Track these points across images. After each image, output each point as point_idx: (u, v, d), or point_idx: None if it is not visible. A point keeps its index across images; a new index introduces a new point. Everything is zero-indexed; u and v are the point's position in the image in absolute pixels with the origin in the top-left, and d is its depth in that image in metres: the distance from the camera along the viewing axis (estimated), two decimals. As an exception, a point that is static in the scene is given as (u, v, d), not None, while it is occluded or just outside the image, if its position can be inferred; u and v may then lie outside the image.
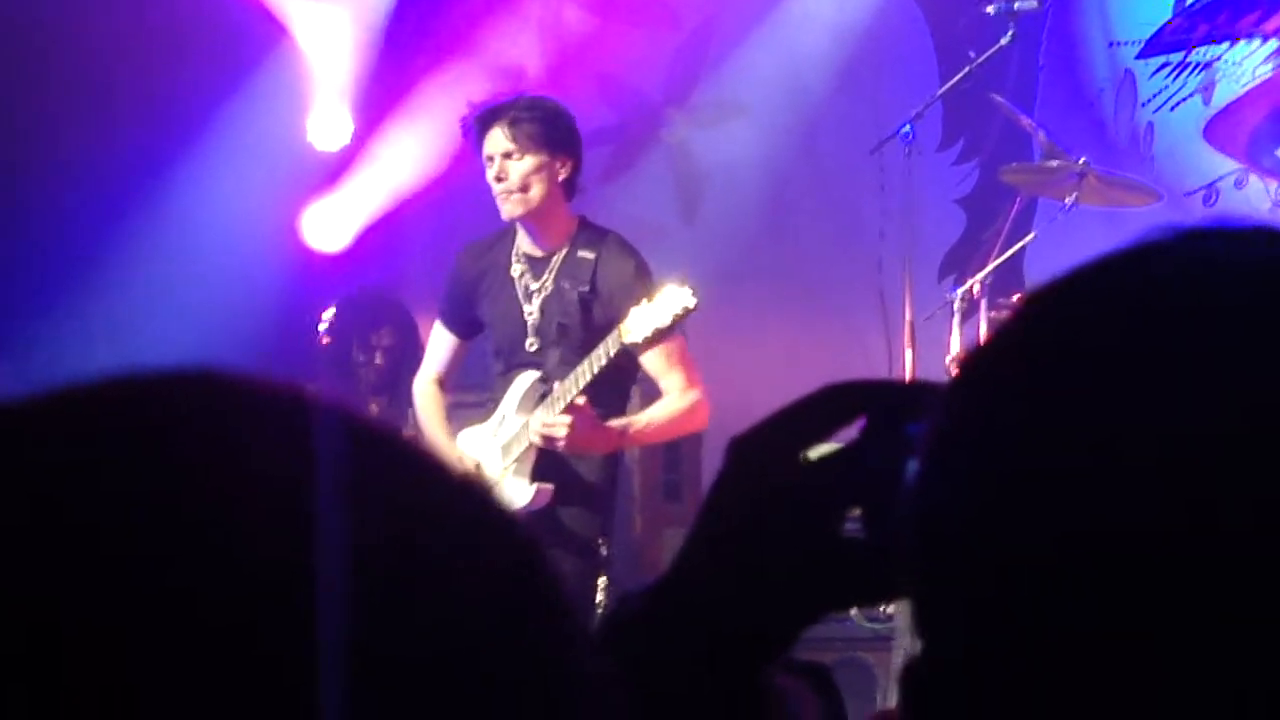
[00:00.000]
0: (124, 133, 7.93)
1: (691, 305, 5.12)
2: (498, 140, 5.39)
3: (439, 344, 5.76)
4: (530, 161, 5.36)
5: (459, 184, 8.02)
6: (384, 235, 8.21)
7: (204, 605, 0.61)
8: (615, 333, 5.19)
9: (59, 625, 0.60)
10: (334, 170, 8.13)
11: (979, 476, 0.84)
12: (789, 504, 1.06)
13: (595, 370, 5.23)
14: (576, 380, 5.25)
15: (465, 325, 5.69)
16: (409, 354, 6.33)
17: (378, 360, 6.33)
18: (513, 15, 8.36)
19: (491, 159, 5.39)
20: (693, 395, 5.38)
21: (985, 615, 0.82)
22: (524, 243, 5.51)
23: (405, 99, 8.15)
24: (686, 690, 1.06)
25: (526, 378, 5.44)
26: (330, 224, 8.12)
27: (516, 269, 5.51)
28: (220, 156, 7.98)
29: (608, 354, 5.21)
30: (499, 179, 5.37)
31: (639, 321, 5.15)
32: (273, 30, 8.12)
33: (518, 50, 8.29)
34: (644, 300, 5.19)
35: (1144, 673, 0.78)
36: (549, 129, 5.39)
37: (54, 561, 0.61)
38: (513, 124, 5.37)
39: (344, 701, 0.61)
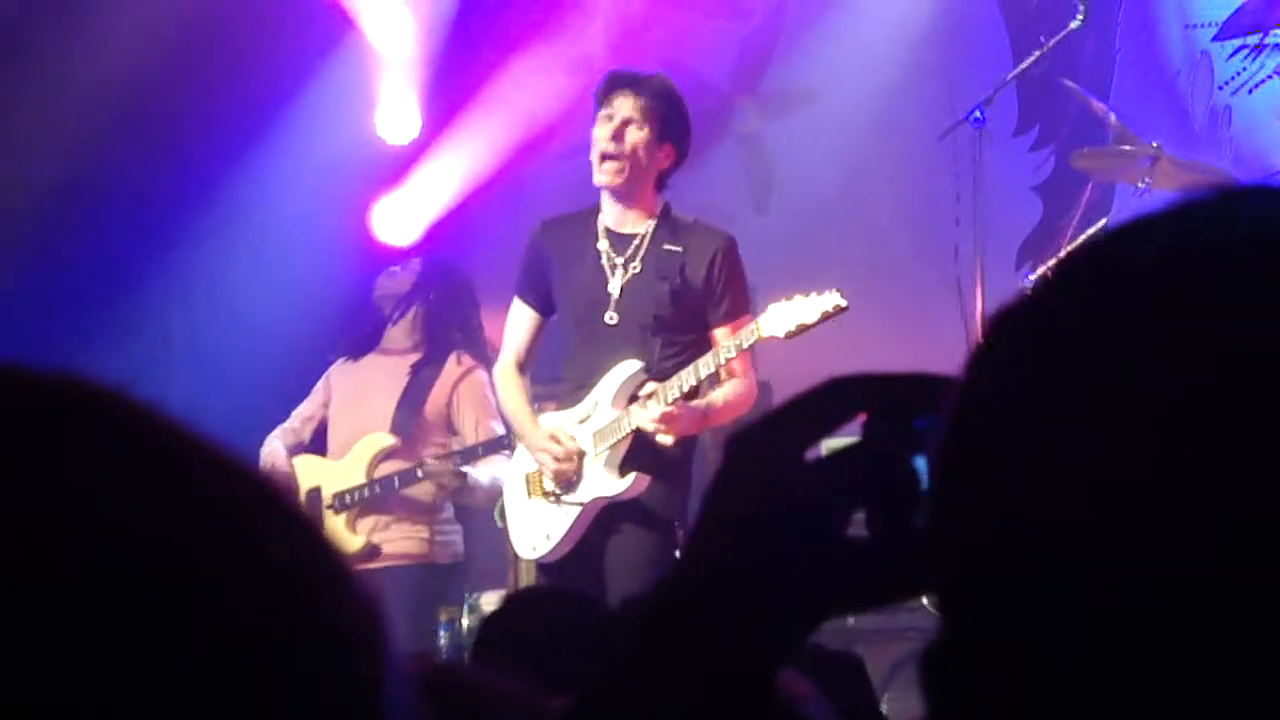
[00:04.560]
0: (193, 127, 7.98)
1: (843, 305, 5.21)
2: (627, 104, 5.50)
3: (518, 323, 5.79)
4: (646, 136, 5.48)
5: (528, 177, 8.02)
6: (453, 229, 8.22)
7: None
8: (751, 327, 5.28)
9: None
10: (403, 164, 8.15)
11: (1018, 444, 0.80)
12: (790, 504, 1.02)
13: (721, 362, 5.34)
14: (697, 371, 5.34)
15: (544, 299, 5.72)
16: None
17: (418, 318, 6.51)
18: (580, 7, 8.34)
19: (611, 118, 5.50)
20: (749, 381, 5.56)
21: (1025, 591, 0.79)
22: (607, 218, 5.60)
23: (473, 92, 8.16)
24: (693, 696, 1.02)
25: (626, 367, 5.49)
26: (399, 218, 8.14)
27: (602, 243, 5.58)
28: (289, 152, 8.02)
29: (738, 346, 5.31)
30: (613, 139, 5.47)
31: (781, 316, 5.23)
32: (340, 24, 8.14)
33: (585, 42, 8.27)
34: (729, 267, 5.41)
35: (1196, 666, 0.74)
36: (676, 117, 5.54)
37: None
38: (649, 97, 5.49)
39: None
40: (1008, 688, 0.80)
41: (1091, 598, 0.76)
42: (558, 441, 5.53)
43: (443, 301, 6.54)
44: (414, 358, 6.47)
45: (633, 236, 5.55)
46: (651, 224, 5.55)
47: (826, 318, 5.19)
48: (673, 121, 5.52)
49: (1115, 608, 0.76)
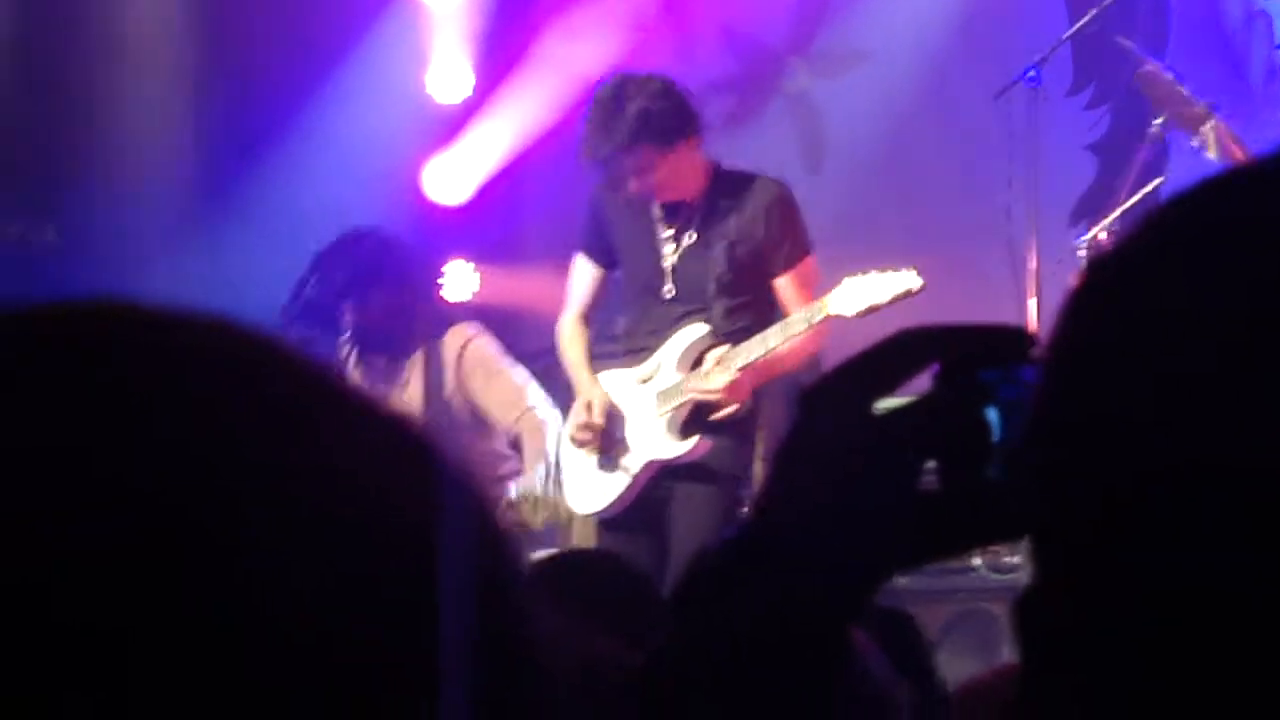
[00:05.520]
0: (245, 86, 7.99)
1: (916, 287, 5.11)
2: (620, 161, 5.35)
3: (581, 279, 5.79)
4: (659, 170, 5.36)
5: (580, 136, 7.99)
6: (505, 188, 8.21)
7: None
8: (819, 304, 5.21)
9: None
10: (454, 123, 8.13)
11: (1131, 391, 0.78)
12: (863, 457, 1.02)
13: (788, 335, 5.28)
14: (766, 342, 5.31)
15: (607, 255, 5.70)
16: (402, 308, 6.28)
17: (347, 318, 6.24)
18: (633, -36, 8.31)
19: (629, 181, 5.39)
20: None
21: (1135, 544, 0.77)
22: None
23: (525, 51, 8.13)
24: (765, 646, 1.03)
25: (693, 331, 5.46)
26: (451, 177, 8.13)
27: (655, 212, 5.54)
28: (340, 110, 8.01)
29: (808, 321, 5.24)
30: (639, 192, 5.42)
31: (851, 294, 5.16)
32: (392, -17, 8.14)
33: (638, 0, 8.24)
34: (785, 214, 5.36)
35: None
36: (674, 126, 5.35)
37: None
38: (645, 147, 5.30)
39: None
40: (1080, 648, 0.79)
41: (1165, 575, 0.75)
42: (591, 408, 5.54)
43: (395, 326, 6.26)
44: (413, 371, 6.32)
45: (687, 204, 5.51)
46: (704, 191, 5.50)
47: (898, 299, 5.08)
48: (677, 124, 5.35)
49: (1197, 585, 0.74)
